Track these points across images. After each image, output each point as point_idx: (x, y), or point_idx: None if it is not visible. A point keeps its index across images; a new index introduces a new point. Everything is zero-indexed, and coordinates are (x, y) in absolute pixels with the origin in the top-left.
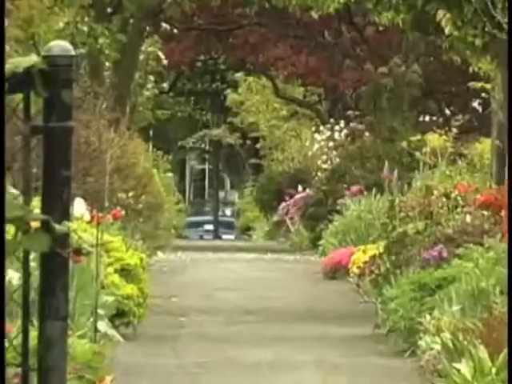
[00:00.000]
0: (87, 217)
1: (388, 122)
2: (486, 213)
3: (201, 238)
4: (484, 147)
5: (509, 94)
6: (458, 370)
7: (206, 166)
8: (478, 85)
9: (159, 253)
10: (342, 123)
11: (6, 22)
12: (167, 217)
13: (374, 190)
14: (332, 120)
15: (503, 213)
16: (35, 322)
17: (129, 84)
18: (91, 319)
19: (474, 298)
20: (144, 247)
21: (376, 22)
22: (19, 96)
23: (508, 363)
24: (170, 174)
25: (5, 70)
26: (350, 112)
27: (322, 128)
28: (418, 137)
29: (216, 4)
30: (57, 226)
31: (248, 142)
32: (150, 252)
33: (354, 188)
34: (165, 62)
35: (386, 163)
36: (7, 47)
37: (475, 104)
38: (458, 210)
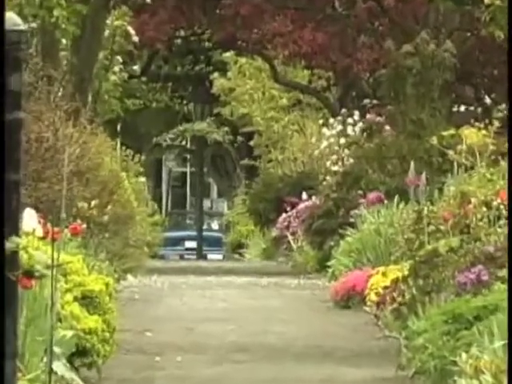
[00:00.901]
0: (40, 232)
1: (414, 114)
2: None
3: (181, 257)
4: None
5: (509, 93)
6: None
7: (188, 169)
8: None
9: (129, 276)
10: (357, 115)
11: None
12: (139, 232)
13: (396, 197)
14: (344, 111)
15: None
16: None
17: (91, 66)
18: (45, 359)
19: None
20: (111, 269)
21: None
22: None
23: (508, 363)
24: (142, 179)
25: (4, 67)
26: (366, 101)
27: (331, 121)
28: (452, 131)
29: None
30: (4, 243)
31: (239, 138)
32: (117, 275)
33: (372, 195)
34: (136, 38)
35: (412, 164)
36: None
37: None
38: (502, 222)
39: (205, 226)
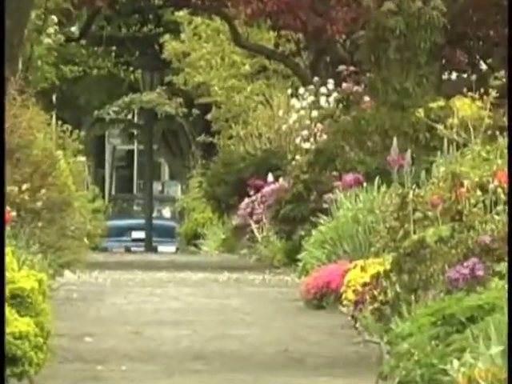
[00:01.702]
0: None
1: (397, 82)
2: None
3: (127, 250)
4: None
5: (509, 92)
6: None
7: (135, 147)
8: None
9: (67, 272)
10: (331, 83)
11: None
12: (78, 220)
13: (377, 179)
14: (316, 79)
15: None
16: None
17: (21, 28)
18: None
19: None
20: (45, 264)
21: None
22: None
23: (508, 363)
24: (82, 159)
25: (5, 69)
26: (342, 67)
27: (301, 90)
28: (442, 102)
29: None
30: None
31: (195, 111)
32: (53, 271)
33: (349, 177)
34: None
35: (395, 141)
36: None
37: None
38: (499, 208)
39: (155, 214)
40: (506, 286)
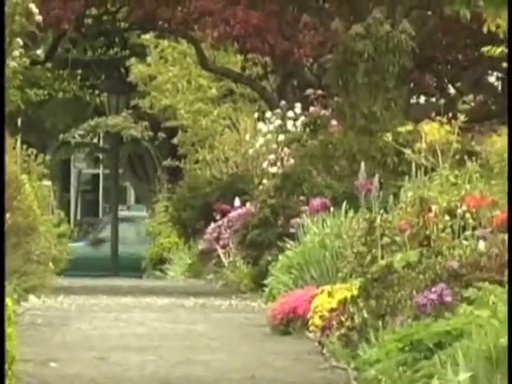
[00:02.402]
0: None
1: (365, 106)
2: (507, 237)
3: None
4: (505, 142)
5: (509, 92)
6: None
7: (100, 171)
8: (497, 51)
9: (32, 297)
10: (299, 107)
11: None
12: (43, 245)
13: (344, 204)
14: (283, 103)
15: None
16: None
17: None
18: None
19: (491, 361)
20: (9, 289)
21: None
22: None
23: (508, 363)
24: (47, 183)
25: (5, 69)
26: (309, 91)
27: (268, 114)
28: (410, 127)
29: None
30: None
31: (161, 135)
32: (17, 296)
33: (316, 202)
34: (39, 18)
35: (362, 165)
36: None
37: (492, 79)
38: (468, 233)
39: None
40: (507, 286)
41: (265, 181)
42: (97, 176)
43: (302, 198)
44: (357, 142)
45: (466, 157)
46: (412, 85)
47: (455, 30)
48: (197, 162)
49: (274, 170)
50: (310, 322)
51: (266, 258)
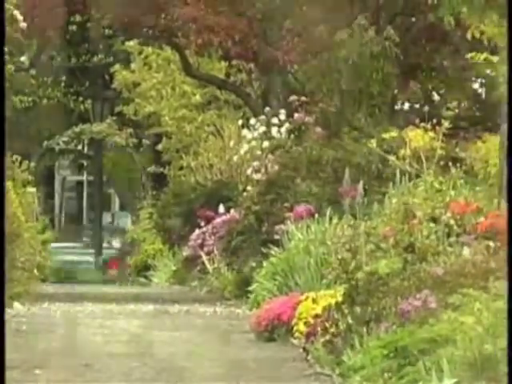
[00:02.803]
0: None
1: (349, 113)
2: (492, 244)
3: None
4: (489, 148)
5: (508, 91)
6: None
7: (85, 178)
8: (481, 57)
9: (16, 304)
10: (283, 114)
11: None
12: (28, 251)
13: (328, 210)
14: (268, 109)
15: None
16: None
17: None
18: None
19: (476, 367)
20: None
21: None
22: None
23: (508, 363)
24: (31, 189)
25: (5, 71)
26: (293, 97)
27: (253, 121)
28: (394, 133)
29: None
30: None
31: (145, 141)
32: None
33: (300, 208)
34: (23, 24)
35: (347, 172)
36: None
37: (476, 86)
38: (452, 239)
39: (105, 244)
40: (507, 287)
41: (249, 187)
42: (81, 183)
43: (286, 204)
44: (341, 148)
45: (450, 163)
46: (396, 91)
47: (439, 36)
48: (181, 168)
49: (258, 176)
50: (295, 329)
51: (250, 265)
